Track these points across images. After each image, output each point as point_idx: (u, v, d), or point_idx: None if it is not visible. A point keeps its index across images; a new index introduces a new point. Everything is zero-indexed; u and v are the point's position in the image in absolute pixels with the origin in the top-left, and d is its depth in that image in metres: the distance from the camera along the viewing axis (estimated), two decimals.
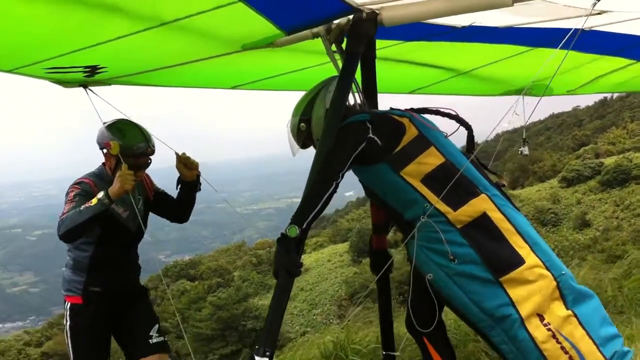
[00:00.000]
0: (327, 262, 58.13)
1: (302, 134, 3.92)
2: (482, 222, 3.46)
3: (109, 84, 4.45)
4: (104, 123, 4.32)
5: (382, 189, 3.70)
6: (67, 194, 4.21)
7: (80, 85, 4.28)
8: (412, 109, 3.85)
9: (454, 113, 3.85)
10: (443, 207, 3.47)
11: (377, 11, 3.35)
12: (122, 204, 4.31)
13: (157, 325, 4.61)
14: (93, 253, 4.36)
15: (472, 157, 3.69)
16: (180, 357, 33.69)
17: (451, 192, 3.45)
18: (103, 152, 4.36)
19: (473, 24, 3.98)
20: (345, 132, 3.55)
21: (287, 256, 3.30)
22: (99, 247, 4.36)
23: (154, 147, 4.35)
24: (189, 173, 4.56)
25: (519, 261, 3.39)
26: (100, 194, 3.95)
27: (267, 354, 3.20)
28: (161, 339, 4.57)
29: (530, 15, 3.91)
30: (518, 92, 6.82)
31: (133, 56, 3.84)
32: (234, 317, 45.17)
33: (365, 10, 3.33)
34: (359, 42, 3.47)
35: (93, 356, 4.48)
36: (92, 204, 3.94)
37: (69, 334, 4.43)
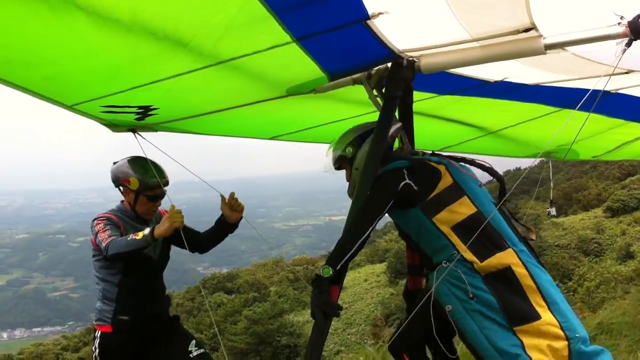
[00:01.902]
0: (363, 282, 57.81)
1: (344, 157, 4.04)
2: (506, 275, 3.52)
3: (156, 130, 4.59)
4: (114, 162, 4.62)
5: (414, 232, 3.82)
6: (93, 227, 4.38)
7: (129, 130, 4.43)
8: (450, 157, 3.94)
9: (487, 165, 3.95)
10: (470, 256, 3.55)
11: (415, 59, 3.47)
12: None
13: (194, 341, 4.69)
14: (120, 282, 4.51)
15: (504, 209, 3.81)
16: None
17: (480, 243, 3.55)
18: (120, 189, 4.59)
19: (505, 79, 4.07)
20: (382, 180, 3.69)
21: (321, 296, 3.45)
22: (125, 276, 4.51)
23: (167, 179, 4.58)
24: (233, 215, 4.69)
25: (536, 317, 3.44)
26: (147, 231, 4.10)
27: None
28: (201, 350, 4.64)
29: (560, 72, 3.95)
30: (544, 154, 6.83)
31: (184, 97, 3.96)
32: (269, 332, 45.18)
33: (406, 57, 3.45)
34: (397, 86, 3.62)
35: None
36: (137, 238, 4.09)
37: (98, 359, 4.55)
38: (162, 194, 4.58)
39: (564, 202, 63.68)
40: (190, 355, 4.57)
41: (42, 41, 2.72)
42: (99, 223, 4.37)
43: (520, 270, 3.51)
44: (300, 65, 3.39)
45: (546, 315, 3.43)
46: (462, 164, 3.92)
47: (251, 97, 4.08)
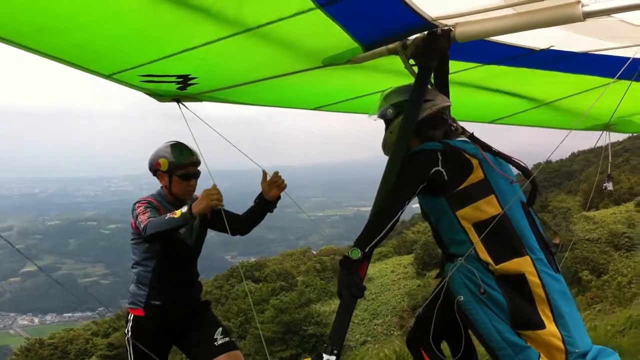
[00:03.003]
0: (390, 273, 57.70)
1: (385, 116, 3.96)
2: (518, 281, 3.49)
3: (200, 100, 4.64)
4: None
5: (435, 219, 3.78)
6: (134, 210, 4.43)
7: (173, 100, 4.47)
8: (486, 147, 3.78)
9: (523, 165, 3.83)
10: (486, 256, 3.52)
11: (451, 28, 3.39)
12: None
13: (220, 328, 4.74)
14: (155, 267, 4.58)
15: (532, 212, 3.74)
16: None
17: (497, 245, 3.52)
18: (157, 174, 4.65)
19: (551, 47, 3.96)
20: (415, 160, 3.61)
21: (349, 277, 3.41)
22: (160, 261, 4.58)
23: (198, 158, 4.64)
24: (271, 192, 4.75)
25: (540, 325, 3.44)
26: (184, 209, 4.14)
27: (335, 352, 3.32)
28: (227, 339, 4.69)
29: (607, 39, 3.83)
30: (605, 127, 6.63)
31: (222, 66, 3.97)
32: (296, 321, 45.36)
33: (440, 26, 3.38)
34: (432, 57, 3.56)
35: None
36: (175, 216, 4.13)
37: (130, 343, 4.62)
38: (195, 173, 4.64)
39: (595, 195, 62.77)
40: (215, 343, 4.62)
41: (68, 5, 2.76)
42: (140, 206, 4.43)
43: (533, 279, 3.48)
44: (330, 34, 3.34)
45: (550, 326, 3.43)
46: (499, 158, 3.79)
47: (287, 67, 4.06)
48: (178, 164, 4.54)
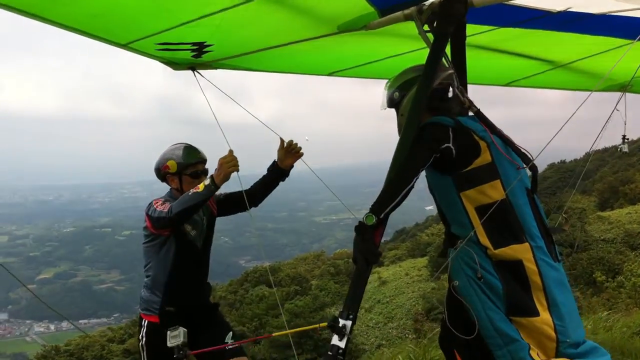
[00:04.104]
0: (404, 276, 57.48)
1: (393, 101, 3.95)
2: (515, 267, 3.51)
3: (215, 68, 4.64)
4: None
5: (439, 196, 3.81)
6: (151, 205, 4.45)
7: (188, 68, 4.49)
8: (493, 128, 3.75)
9: (523, 150, 3.79)
10: (485, 241, 3.55)
11: None
12: (190, 222, 4.56)
13: (230, 333, 4.76)
14: (169, 271, 4.58)
15: (535, 199, 3.73)
16: None
17: (498, 231, 3.54)
18: (166, 178, 4.67)
19: (569, 9, 3.90)
20: (427, 131, 3.60)
21: (364, 244, 3.42)
22: (174, 264, 4.58)
23: (205, 156, 4.69)
24: (287, 161, 4.76)
25: (534, 313, 3.46)
26: (207, 181, 4.19)
27: (351, 316, 3.31)
28: (236, 345, 4.68)
29: (626, 0, 3.75)
30: (621, 87, 6.55)
31: (237, 33, 3.97)
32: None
33: None
34: (449, 22, 3.54)
35: None
36: (199, 190, 4.17)
37: (144, 349, 4.65)
38: (204, 170, 4.66)
39: (610, 195, 62.42)
40: (226, 348, 4.62)
41: None
42: (158, 201, 4.47)
43: (530, 266, 3.50)
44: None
45: (544, 314, 3.45)
46: (504, 143, 3.75)
47: (303, 34, 4.06)
48: (186, 164, 4.58)
